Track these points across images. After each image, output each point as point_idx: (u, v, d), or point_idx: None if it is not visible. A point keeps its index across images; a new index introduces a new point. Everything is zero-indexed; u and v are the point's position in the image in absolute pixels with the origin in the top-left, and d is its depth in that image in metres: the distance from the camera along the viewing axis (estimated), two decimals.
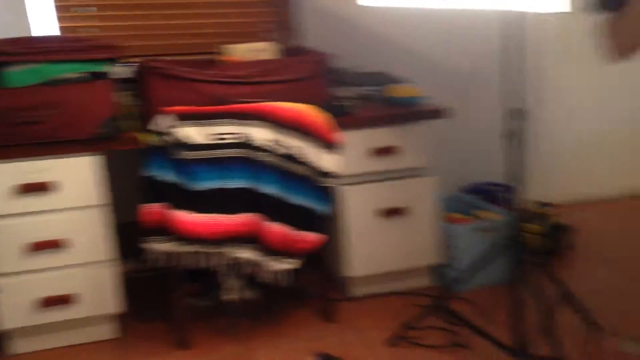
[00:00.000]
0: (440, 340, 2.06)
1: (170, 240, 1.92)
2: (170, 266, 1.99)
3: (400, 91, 2.36)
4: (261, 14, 2.66)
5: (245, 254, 1.98)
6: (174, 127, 1.89)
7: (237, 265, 2.01)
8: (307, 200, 2.00)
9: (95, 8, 2.48)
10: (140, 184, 1.93)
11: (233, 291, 2.23)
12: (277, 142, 1.95)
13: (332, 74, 2.34)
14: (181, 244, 1.92)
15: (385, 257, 2.33)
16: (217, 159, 1.93)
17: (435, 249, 2.38)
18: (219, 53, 2.35)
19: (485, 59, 2.80)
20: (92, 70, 1.94)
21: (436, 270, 2.44)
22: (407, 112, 2.26)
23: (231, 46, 2.32)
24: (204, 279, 2.33)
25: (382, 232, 2.30)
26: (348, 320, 2.23)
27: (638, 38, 1.42)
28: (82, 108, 1.93)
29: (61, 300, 2.01)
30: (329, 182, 2.01)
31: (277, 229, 1.98)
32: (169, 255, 1.95)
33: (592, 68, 3.08)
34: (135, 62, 2.07)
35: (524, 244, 2.02)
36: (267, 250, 1.98)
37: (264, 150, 1.94)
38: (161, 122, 1.90)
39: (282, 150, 1.96)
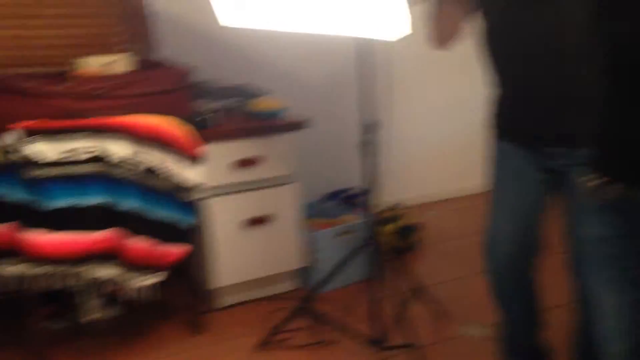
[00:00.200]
0: (307, 339, 2.17)
1: (22, 262, 1.82)
2: (24, 289, 1.88)
3: (262, 104, 2.44)
4: (116, 26, 2.59)
5: (105, 272, 1.93)
6: (22, 143, 1.80)
7: (97, 284, 1.95)
8: (169, 213, 2.00)
9: None
10: None
11: (93, 310, 2.16)
12: (136, 156, 1.93)
13: (193, 87, 2.36)
14: (34, 265, 1.83)
15: (251, 265, 2.39)
16: (73, 176, 1.86)
17: (299, 254, 2.49)
18: (72, 65, 2.27)
19: (343, 73, 2.97)
20: None
21: (301, 274, 2.56)
22: (269, 124, 2.35)
23: (85, 58, 2.25)
24: (60, 300, 2.22)
25: (248, 241, 2.36)
26: (217, 331, 2.26)
27: (452, 29, 1.61)
28: None
29: None
30: (192, 195, 2.03)
31: (138, 244, 1.96)
32: (20, 278, 1.85)
33: (436, 83, 3.42)
34: None
35: (379, 244, 2.20)
36: (129, 266, 1.95)
37: (123, 165, 1.92)
38: (7, 138, 1.80)
39: (142, 165, 1.94)
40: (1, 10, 2.38)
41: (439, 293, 2.46)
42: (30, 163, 1.80)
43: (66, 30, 2.50)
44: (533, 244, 1.69)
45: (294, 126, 2.38)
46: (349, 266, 2.33)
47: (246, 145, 2.30)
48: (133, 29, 2.62)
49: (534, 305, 1.79)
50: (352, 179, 2.99)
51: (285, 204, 2.41)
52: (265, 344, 2.15)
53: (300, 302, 2.27)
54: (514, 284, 1.73)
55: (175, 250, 2.03)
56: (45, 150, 1.82)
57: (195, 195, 2.04)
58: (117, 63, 2.27)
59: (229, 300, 2.42)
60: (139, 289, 1.98)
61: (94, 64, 2.25)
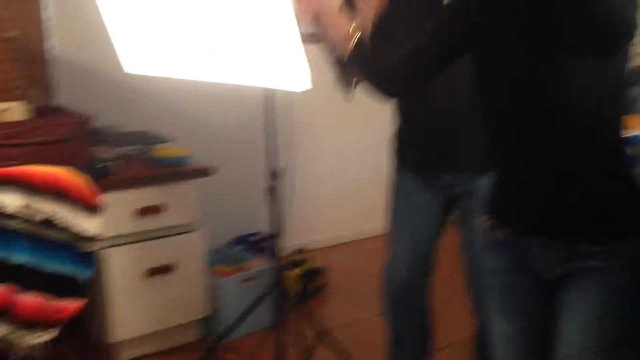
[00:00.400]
0: None
1: None
2: None
3: (166, 151, 2.43)
4: (14, 71, 2.50)
5: None
6: None
7: None
8: (65, 266, 1.92)
9: None
10: None
11: None
12: (29, 207, 1.85)
13: (93, 134, 2.31)
14: None
15: (152, 317, 2.33)
16: None
17: (203, 303, 2.45)
18: None
19: (251, 120, 3.00)
20: None
21: (205, 323, 2.52)
22: (173, 171, 2.34)
23: None
24: None
25: (149, 292, 2.30)
26: None
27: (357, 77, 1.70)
28: None
29: None
30: (90, 246, 1.97)
31: (30, 299, 1.86)
32: None
33: (340, 127, 3.55)
34: None
35: (284, 289, 2.23)
36: (20, 323, 1.85)
37: (14, 217, 1.83)
38: None
39: (38, 216, 1.86)
40: None
41: (344, 336, 2.51)
42: None
43: None
44: (428, 269, 1.81)
45: (199, 173, 2.38)
46: (254, 313, 2.33)
47: (149, 193, 2.27)
48: (31, 74, 2.54)
49: (427, 336, 1.88)
50: (258, 224, 3.01)
51: (188, 252, 2.38)
52: None
53: (205, 352, 2.23)
54: (409, 310, 1.82)
55: (70, 305, 1.94)
56: None
57: (93, 246, 1.98)
58: (12, 110, 2.19)
59: (129, 354, 2.33)
60: (32, 347, 1.87)
61: None
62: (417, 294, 1.82)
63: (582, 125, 1.11)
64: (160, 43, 1.99)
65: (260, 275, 2.56)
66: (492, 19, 1.16)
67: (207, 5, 1.60)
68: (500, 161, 1.24)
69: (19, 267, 1.83)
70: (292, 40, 1.41)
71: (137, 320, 2.29)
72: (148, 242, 2.29)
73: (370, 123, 3.38)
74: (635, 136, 2.23)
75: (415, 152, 1.71)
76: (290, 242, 3.11)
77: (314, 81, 1.47)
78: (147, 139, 2.53)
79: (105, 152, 2.28)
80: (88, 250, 1.96)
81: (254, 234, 3.07)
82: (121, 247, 2.22)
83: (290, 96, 1.73)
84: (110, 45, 2.00)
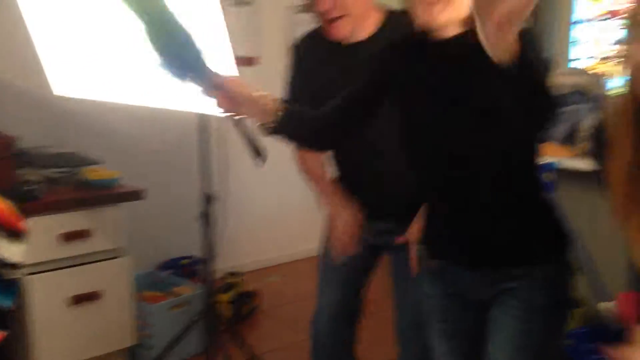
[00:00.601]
0: None
1: None
2: None
3: (94, 173, 2.36)
4: None
5: None
6: None
7: None
8: None
9: None
10: None
11: None
12: None
13: (18, 156, 2.22)
14: None
15: (77, 346, 2.24)
16: None
17: (131, 331, 2.39)
18: None
19: (184, 144, 2.98)
20: None
21: (133, 352, 2.45)
22: (100, 194, 2.28)
23: None
24: None
25: (73, 320, 2.21)
26: None
27: None
28: None
29: None
30: (12, 274, 1.88)
31: None
32: None
33: (272, 155, 3.55)
34: None
35: (216, 313, 2.21)
36: None
37: None
38: None
39: None
40: None
41: None
42: None
43: None
44: (357, 309, 1.84)
45: (128, 196, 2.33)
46: (184, 339, 2.29)
47: (74, 217, 2.20)
48: None
49: None
50: (190, 248, 2.97)
51: (116, 278, 2.32)
52: None
53: None
54: (336, 350, 1.85)
55: None
56: None
57: (15, 274, 1.89)
58: None
59: None
60: None
61: None
62: (345, 335, 1.84)
63: (496, 170, 1.23)
64: (90, 66, 1.96)
65: (190, 301, 2.52)
66: (402, 76, 1.27)
67: (138, 29, 1.60)
68: (429, 201, 1.36)
69: None
70: (224, 65, 1.43)
71: (62, 350, 2.19)
72: (73, 269, 2.21)
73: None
74: (550, 163, 2.39)
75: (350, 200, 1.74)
76: (222, 265, 3.09)
77: None
78: (75, 161, 2.46)
79: (30, 175, 2.19)
80: (10, 277, 1.88)
81: (185, 258, 3.03)
82: (45, 274, 2.14)
83: (223, 120, 1.74)
84: (38, 66, 1.95)
